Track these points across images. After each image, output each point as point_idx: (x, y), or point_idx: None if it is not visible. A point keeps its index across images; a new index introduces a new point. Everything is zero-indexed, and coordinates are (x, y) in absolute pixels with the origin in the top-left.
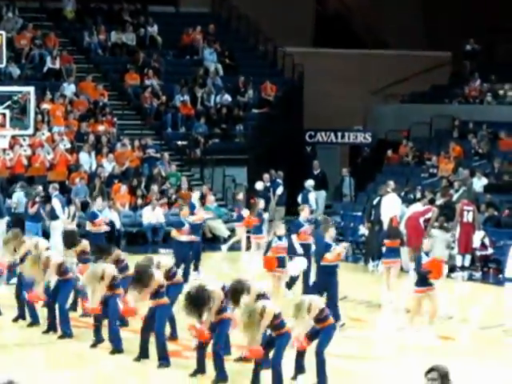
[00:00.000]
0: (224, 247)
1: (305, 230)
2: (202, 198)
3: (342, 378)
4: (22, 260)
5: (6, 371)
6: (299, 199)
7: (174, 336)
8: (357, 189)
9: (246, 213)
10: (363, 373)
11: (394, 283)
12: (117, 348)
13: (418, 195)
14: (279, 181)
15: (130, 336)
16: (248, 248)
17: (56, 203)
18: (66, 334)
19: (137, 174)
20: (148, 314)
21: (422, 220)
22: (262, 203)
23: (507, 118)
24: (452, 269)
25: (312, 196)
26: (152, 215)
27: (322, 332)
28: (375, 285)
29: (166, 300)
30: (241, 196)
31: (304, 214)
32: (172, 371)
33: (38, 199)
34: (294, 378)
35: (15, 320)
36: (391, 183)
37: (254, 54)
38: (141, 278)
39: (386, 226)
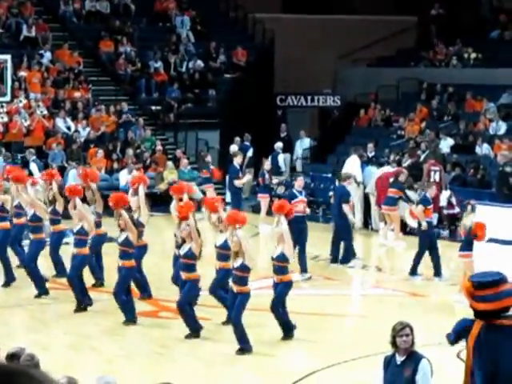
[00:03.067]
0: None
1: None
2: (176, 161)
3: (315, 334)
4: None
5: None
6: (268, 161)
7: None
8: (327, 150)
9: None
10: (339, 329)
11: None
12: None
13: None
14: (247, 144)
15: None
16: None
17: (34, 168)
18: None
19: (112, 139)
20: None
21: (391, 180)
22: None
23: (472, 81)
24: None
25: (281, 158)
26: (129, 178)
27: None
28: None
29: (132, 262)
30: (208, 158)
31: (237, 160)
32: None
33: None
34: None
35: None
36: (370, 145)
37: (225, 20)
38: None
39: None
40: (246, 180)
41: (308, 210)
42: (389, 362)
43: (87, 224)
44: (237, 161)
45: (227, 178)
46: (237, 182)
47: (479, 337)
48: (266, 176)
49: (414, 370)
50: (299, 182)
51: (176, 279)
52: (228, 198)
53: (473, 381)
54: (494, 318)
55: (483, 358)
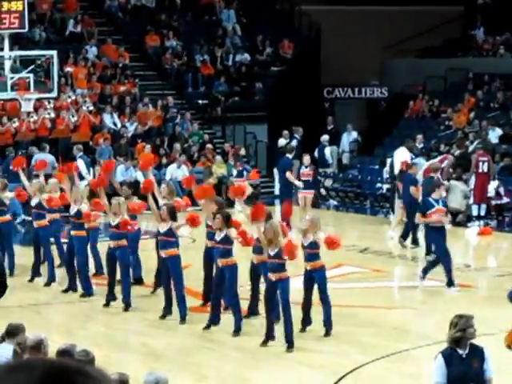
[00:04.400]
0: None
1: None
2: (225, 155)
3: (363, 327)
4: None
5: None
6: (315, 154)
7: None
8: (374, 143)
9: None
10: (387, 322)
11: None
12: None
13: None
14: (296, 136)
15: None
16: None
17: (81, 164)
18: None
19: (159, 134)
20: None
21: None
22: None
23: None
24: (468, 218)
25: (328, 150)
26: (177, 172)
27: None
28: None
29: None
30: (242, 151)
31: (290, 154)
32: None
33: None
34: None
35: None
36: (419, 137)
37: (271, 13)
38: None
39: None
40: (297, 183)
41: None
42: (450, 358)
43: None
44: (291, 154)
45: (275, 170)
46: (289, 175)
47: None
48: (305, 171)
49: (481, 360)
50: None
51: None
52: (276, 190)
53: None
54: None
55: None
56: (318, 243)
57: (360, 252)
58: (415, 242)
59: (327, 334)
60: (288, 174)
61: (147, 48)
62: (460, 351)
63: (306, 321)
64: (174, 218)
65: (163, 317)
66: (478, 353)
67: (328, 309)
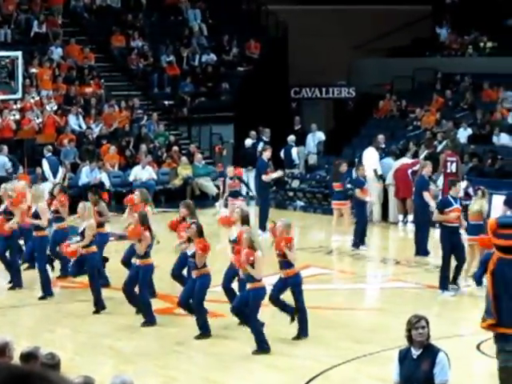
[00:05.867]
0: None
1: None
2: (190, 156)
3: (331, 329)
4: None
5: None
6: (282, 154)
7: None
8: (342, 143)
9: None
10: (356, 324)
11: None
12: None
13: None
14: (264, 137)
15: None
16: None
17: (45, 165)
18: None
19: (125, 135)
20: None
21: (410, 172)
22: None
23: (488, 70)
24: None
25: (294, 151)
26: (142, 174)
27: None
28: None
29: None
30: (225, 152)
31: (266, 154)
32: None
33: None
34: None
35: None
36: (380, 137)
37: (238, 12)
38: None
39: (368, 179)
40: (276, 175)
41: None
42: (404, 356)
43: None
44: (266, 155)
45: (242, 172)
46: (265, 177)
47: (496, 267)
48: (231, 183)
49: (431, 364)
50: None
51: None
52: (243, 192)
53: (496, 302)
54: (508, 252)
55: (500, 284)
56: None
57: (327, 253)
58: (357, 244)
59: (298, 337)
60: (264, 177)
61: (113, 48)
62: (413, 351)
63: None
64: (144, 225)
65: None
66: (430, 355)
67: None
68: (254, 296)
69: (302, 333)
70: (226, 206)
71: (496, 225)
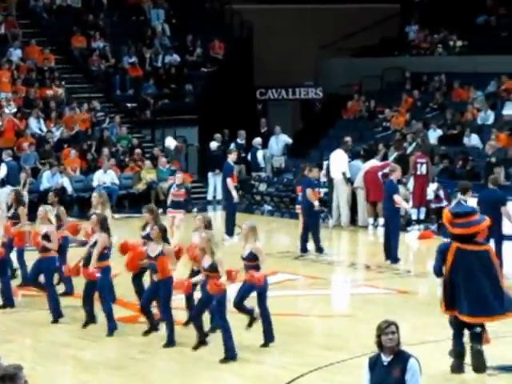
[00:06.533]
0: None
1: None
2: (154, 160)
3: (300, 336)
4: None
5: None
6: (248, 157)
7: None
8: (310, 145)
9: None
10: (325, 330)
11: None
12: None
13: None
14: (239, 140)
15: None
16: None
17: (3, 169)
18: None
19: (87, 138)
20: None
21: (380, 174)
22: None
23: (458, 69)
24: (408, 222)
25: (260, 154)
26: (105, 178)
27: None
28: (335, 242)
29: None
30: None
31: (232, 157)
32: None
33: None
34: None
35: None
36: (347, 139)
37: (201, 12)
38: None
39: (336, 182)
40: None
41: None
42: (374, 363)
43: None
44: (231, 158)
45: (209, 174)
46: (229, 181)
47: (455, 256)
48: (176, 191)
49: (402, 370)
50: (234, 155)
51: None
52: (209, 196)
53: (451, 290)
54: (466, 241)
55: (458, 272)
56: (257, 254)
57: (295, 258)
58: (319, 249)
59: (266, 344)
60: (228, 180)
61: (73, 49)
62: (383, 357)
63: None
64: (104, 229)
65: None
66: (401, 361)
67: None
68: (218, 299)
69: (269, 339)
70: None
71: (451, 215)
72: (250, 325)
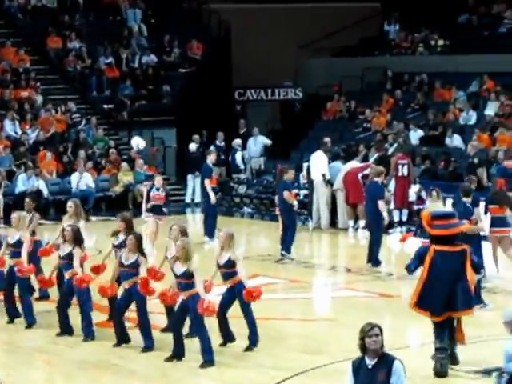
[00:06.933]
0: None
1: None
2: (131, 162)
3: (280, 340)
4: None
5: None
6: (229, 159)
7: None
8: (290, 146)
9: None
10: (306, 335)
11: None
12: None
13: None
14: (218, 142)
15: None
16: None
17: None
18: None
19: (63, 140)
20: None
21: (360, 176)
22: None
23: (440, 69)
24: (390, 224)
25: (239, 155)
26: (81, 181)
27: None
28: (315, 244)
29: None
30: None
31: (211, 159)
32: None
33: None
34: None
35: None
36: (327, 140)
37: (179, 12)
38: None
39: (316, 183)
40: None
41: None
42: (358, 367)
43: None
44: (210, 159)
45: (188, 177)
46: (207, 183)
47: (432, 257)
48: (156, 194)
49: (387, 373)
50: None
51: None
52: (188, 198)
53: (425, 291)
54: (445, 243)
55: (435, 274)
56: (235, 261)
57: (276, 262)
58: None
59: (249, 348)
60: (206, 181)
61: (49, 50)
62: (367, 361)
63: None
64: (77, 241)
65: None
66: (386, 364)
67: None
68: (194, 306)
69: (253, 343)
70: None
71: (429, 217)
72: (223, 344)
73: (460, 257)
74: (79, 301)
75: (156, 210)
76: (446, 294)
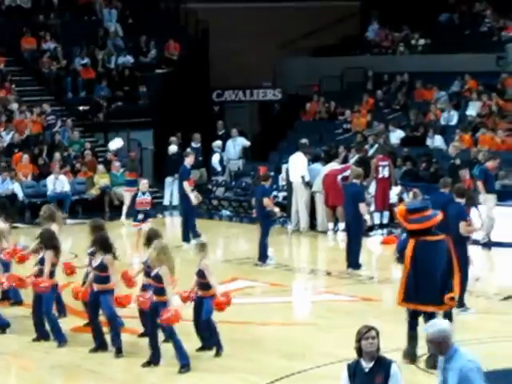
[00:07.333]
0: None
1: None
2: (107, 164)
3: (260, 346)
4: None
5: None
6: (211, 160)
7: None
8: (268, 148)
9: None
10: (286, 339)
11: None
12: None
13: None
14: (194, 144)
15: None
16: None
17: None
18: None
19: (38, 143)
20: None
21: (339, 178)
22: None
23: (421, 68)
24: (371, 227)
25: (216, 157)
26: (56, 184)
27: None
28: (294, 247)
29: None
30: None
31: (189, 161)
32: None
33: None
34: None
35: None
36: (304, 141)
37: (156, 12)
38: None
39: (295, 185)
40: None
41: None
42: (354, 371)
43: None
44: (188, 161)
45: (167, 180)
46: (186, 185)
47: (414, 249)
48: (142, 198)
49: (385, 377)
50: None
51: None
52: (166, 201)
53: (408, 281)
54: (422, 235)
55: (417, 264)
56: (204, 271)
57: (255, 265)
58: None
59: (218, 353)
60: (185, 183)
61: (23, 51)
62: (363, 364)
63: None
64: (50, 246)
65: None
66: (383, 368)
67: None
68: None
69: (219, 348)
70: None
71: (406, 211)
72: (202, 348)
73: (441, 246)
74: (44, 307)
75: (143, 217)
76: (428, 283)
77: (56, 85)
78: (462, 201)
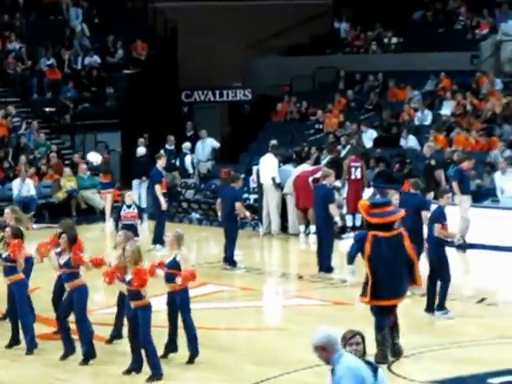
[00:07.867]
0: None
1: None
2: (74, 167)
3: (230, 351)
4: None
5: None
6: (177, 162)
7: None
8: (239, 149)
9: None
10: (256, 345)
11: None
12: None
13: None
14: (168, 146)
15: None
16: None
17: None
18: None
19: (3, 145)
20: None
21: (311, 180)
22: None
23: (394, 67)
24: (343, 229)
25: (188, 159)
26: (22, 188)
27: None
28: (265, 250)
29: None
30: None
31: (161, 163)
32: None
33: None
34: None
35: None
36: (273, 142)
37: (123, 11)
38: None
39: (265, 187)
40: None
41: None
42: None
43: None
44: (160, 164)
45: (134, 182)
46: (157, 188)
47: (372, 245)
48: (127, 212)
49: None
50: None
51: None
52: (144, 203)
53: (370, 266)
54: (382, 229)
55: (375, 259)
56: (180, 262)
57: (225, 269)
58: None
59: (191, 360)
60: (157, 186)
61: None
62: None
63: (170, 347)
64: (16, 236)
65: (10, 346)
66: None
67: (191, 333)
68: (143, 315)
69: (194, 354)
70: (115, 224)
71: (368, 205)
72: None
73: (396, 241)
74: (19, 311)
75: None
76: (391, 278)
77: (21, 86)
78: (445, 203)
